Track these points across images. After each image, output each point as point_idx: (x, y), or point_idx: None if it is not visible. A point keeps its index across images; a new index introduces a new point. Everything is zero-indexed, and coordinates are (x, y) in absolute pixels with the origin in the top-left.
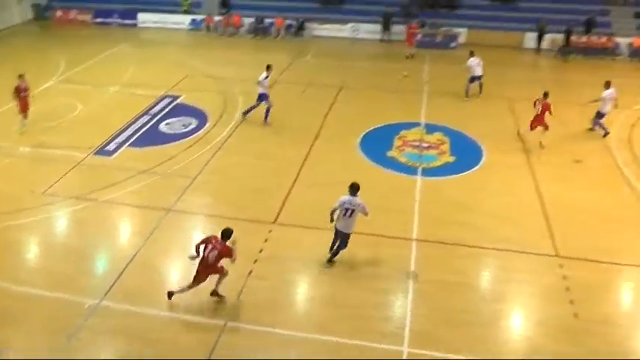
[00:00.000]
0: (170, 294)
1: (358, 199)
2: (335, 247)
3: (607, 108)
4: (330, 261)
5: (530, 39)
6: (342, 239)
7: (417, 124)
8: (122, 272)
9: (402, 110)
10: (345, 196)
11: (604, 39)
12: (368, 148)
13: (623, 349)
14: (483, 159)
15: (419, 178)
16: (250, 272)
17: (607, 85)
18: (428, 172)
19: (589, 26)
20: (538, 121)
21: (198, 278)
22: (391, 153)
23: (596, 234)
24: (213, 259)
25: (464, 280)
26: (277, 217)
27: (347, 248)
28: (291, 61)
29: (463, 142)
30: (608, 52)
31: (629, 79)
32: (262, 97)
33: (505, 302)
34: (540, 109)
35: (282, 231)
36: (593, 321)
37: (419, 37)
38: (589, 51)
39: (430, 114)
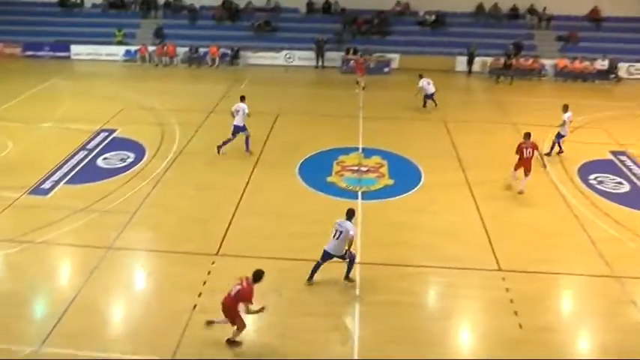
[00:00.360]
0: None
1: (349, 223)
2: (347, 267)
3: (566, 129)
4: (347, 278)
5: (461, 62)
6: (341, 259)
7: (354, 149)
8: (62, 315)
9: (339, 135)
10: (340, 219)
11: (530, 61)
12: (307, 175)
13: (562, 351)
14: (422, 180)
15: (359, 202)
16: (195, 306)
17: (565, 108)
18: (368, 195)
19: (517, 49)
20: (525, 163)
21: (223, 308)
22: (331, 178)
23: (535, 247)
24: (233, 293)
25: (409, 299)
26: (220, 248)
27: (288, 278)
28: (227, 89)
29: (401, 165)
30: (535, 73)
31: (556, 98)
32: (239, 129)
33: (452, 318)
34: (530, 151)
35: (225, 262)
36: (535, 329)
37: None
38: (518, 72)
39: (367, 138)
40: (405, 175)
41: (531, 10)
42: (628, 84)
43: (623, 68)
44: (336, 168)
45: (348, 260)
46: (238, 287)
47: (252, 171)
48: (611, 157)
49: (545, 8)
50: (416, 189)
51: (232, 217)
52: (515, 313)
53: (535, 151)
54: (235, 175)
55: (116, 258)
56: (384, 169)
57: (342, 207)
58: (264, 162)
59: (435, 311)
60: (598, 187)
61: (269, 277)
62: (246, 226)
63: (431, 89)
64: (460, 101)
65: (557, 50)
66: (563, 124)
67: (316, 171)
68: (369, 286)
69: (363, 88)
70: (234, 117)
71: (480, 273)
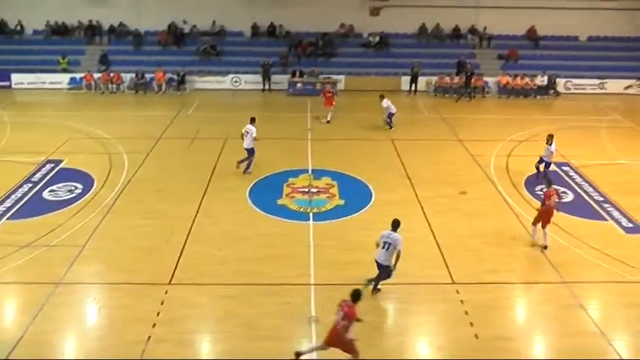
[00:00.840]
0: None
1: (396, 234)
2: (375, 277)
3: (551, 158)
4: (375, 290)
5: (406, 82)
6: (381, 271)
7: (304, 171)
8: (9, 354)
9: (288, 158)
10: (386, 231)
11: (474, 79)
12: (258, 198)
13: (519, 358)
14: (372, 198)
15: (311, 224)
16: (149, 338)
17: (550, 139)
18: (319, 216)
19: (460, 68)
20: (550, 214)
21: (329, 341)
22: (281, 201)
23: (486, 258)
24: (339, 320)
25: (365, 318)
26: (172, 277)
27: (249, 303)
28: (174, 115)
29: (351, 185)
30: (479, 90)
31: (500, 114)
32: (251, 151)
33: (408, 334)
34: (556, 197)
35: (179, 291)
36: (492, 338)
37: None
38: (462, 90)
39: (316, 159)
40: (355, 195)
41: (472, 30)
42: (566, 98)
43: (560, 84)
44: (286, 190)
45: (385, 274)
46: (341, 314)
47: (203, 197)
48: (555, 168)
49: (485, 28)
50: (367, 208)
51: (184, 245)
52: (471, 324)
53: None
54: (186, 202)
55: (66, 293)
56: (335, 190)
57: (293, 229)
58: (214, 187)
59: (390, 327)
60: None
61: (222, 303)
62: (198, 253)
63: (393, 109)
64: (407, 120)
65: (499, 68)
66: (551, 154)
67: (267, 194)
68: (325, 306)
69: (329, 122)
70: (243, 139)
71: (434, 287)
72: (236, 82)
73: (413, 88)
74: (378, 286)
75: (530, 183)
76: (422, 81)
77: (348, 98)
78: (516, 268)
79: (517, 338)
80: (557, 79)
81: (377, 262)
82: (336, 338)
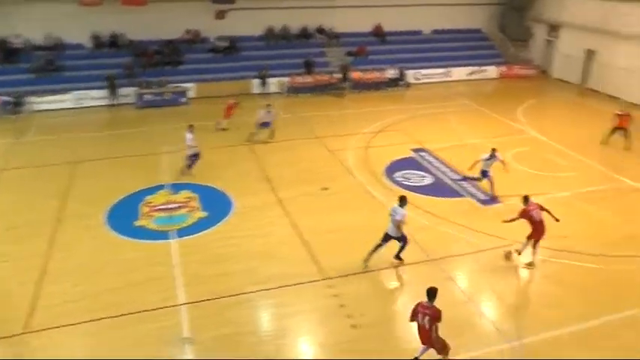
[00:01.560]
0: None
1: (400, 208)
2: (399, 248)
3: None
4: (397, 257)
5: (257, 85)
6: (397, 240)
7: (160, 187)
8: None
9: (143, 175)
10: (394, 205)
11: (327, 77)
12: (116, 223)
13: (400, 338)
14: (234, 206)
15: (174, 241)
16: None
17: (493, 151)
18: (182, 232)
19: (309, 67)
20: (541, 228)
21: (426, 342)
22: (139, 222)
23: (356, 249)
24: (428, 325)
25: (241, 328)
26: (26, 324)
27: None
28: (11, 143)
29: (212, 195)
30: (333, 87)
31: (356, 109)
32: (195, 157)
33: (286, 337)
34: (539, 212)
35: (37, 338)
36: (369, 326)
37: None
38: (317, 89)
39: (172, 174)
40: (217, 205)
41: (320, 30)
42: (416, 88)
43: (410, 75)
44: (143, 210)
45: (401, 242)
46: (427, 318)
47: (57, 229)
48: (412, 154)
49: (332, 27)
50: (229, 216)
51: (40, 286)
52: (348, 315)
53: (543, 211)
54: (35, 239)
55: None
56: (195, 202)
57: (155, 250)
58: (66, 218)
59: (267, 333)
60: (405, 182)
61: (88, 342)
62: (56, 292)
63: (267, 118)
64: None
65: (350, 65)
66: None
67: (124, 217)
68: (198, 324)
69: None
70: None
71: (306, 286)
72: (80, 99)
73: (263, 90)
74: (401, 255)
75: (390, 171)
76: (274, 82)
77: (199, 106)
78: (384, 254)
79: (397, 320)
80: (407, 71)
81: (386, 233)
82: (428, 339)
